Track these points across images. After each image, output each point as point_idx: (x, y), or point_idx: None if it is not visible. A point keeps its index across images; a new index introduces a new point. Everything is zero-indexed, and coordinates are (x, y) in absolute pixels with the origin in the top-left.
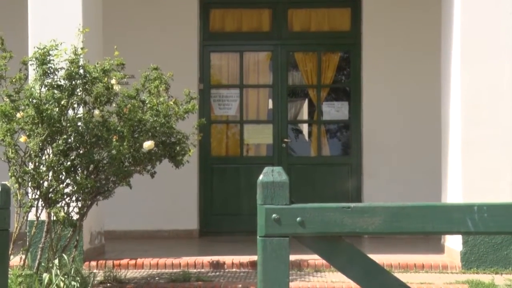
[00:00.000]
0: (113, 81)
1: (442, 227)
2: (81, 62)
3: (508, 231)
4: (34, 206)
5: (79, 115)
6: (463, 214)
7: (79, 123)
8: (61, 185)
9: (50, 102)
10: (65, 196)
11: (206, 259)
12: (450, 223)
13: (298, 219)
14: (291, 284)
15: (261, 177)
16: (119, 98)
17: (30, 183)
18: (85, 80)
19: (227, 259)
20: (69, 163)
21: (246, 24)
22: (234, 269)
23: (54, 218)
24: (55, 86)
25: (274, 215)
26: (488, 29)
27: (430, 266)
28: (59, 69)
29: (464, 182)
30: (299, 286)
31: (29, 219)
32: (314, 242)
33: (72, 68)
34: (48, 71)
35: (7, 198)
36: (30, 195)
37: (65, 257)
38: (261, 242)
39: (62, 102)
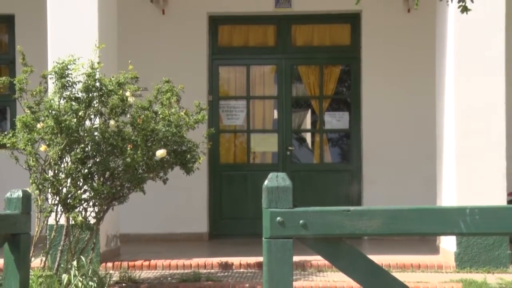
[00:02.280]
0: (127, 93)
1: (437, 228)
2: (97, 76)
3: (497, 232)
4: (53, 211)
5: (95, 126)
6: (456, 216)
7: (96, 133)
8: (79, 191)
9: (68, 113)
10: (82, 202)
11: (216, 260)
12: (444, 224)
13: (301, 221)
14: (295, 283)
15: (266, 182)
16: (133, 109)
17: (49, 190)
18: (101, 93)
19: (235, 260)
20: (86, 170)
21: (252, 39)
22: (241, 270)
23: (73, 222)
24: (73, 98)
25: (278, 218)
26: (480, 44)
27: (426, 266)
28: (77, 82)
29: (457, 187)
30: (303, 286)
31: (49, 223)
32: (316, 244)
33: (89, 81)
34: (67, 84)
35: (28, 204)
36: (49, 200)
37: (83, 259)
38: (266, 244)
39: (80, 113)
